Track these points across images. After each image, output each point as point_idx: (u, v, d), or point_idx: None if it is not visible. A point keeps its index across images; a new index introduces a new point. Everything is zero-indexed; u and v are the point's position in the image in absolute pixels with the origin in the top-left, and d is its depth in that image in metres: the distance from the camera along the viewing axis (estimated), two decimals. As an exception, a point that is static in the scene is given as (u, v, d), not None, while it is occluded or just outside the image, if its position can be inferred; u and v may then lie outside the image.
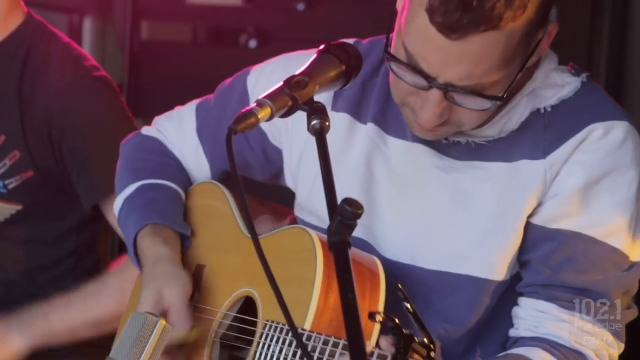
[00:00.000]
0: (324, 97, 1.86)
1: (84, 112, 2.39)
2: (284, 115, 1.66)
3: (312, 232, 1.81)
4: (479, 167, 1.85)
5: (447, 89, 1.71)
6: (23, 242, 2.49)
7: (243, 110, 1.62)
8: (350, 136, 1.90)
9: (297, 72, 1.69)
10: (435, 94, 1.73)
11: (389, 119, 1.91)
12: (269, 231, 1.92)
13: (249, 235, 1.87)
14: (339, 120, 1.92)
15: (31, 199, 2.43)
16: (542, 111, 1.84)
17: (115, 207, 2.09)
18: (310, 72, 1.69)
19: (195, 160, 2.10)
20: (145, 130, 2.17)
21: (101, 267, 2.65)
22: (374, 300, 1.83)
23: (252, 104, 1.63)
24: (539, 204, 1.84)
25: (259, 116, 1.61)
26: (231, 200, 2.00)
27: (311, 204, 1.97)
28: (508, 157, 1.84)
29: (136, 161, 2.12)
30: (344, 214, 1.51)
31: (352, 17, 4.28)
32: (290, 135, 1.99)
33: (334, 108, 1.96)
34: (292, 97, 1.65)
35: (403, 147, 1.88)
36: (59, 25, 5.28)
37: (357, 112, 1.93)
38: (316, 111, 1.64)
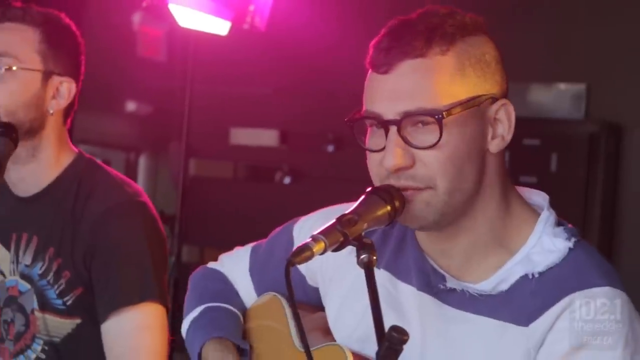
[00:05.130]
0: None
1: (114, 235, 2.53)
2: (335, 250, 1.78)
3: (348, 351, 1.94)
4: (470, 321, 1.92)
5: (399, 123, 1.82)
6: (81, 357, 2.62)
7: (300, 244, 1.75)
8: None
9: (347, 211, 1.82)
10: (391, 133, 1.84)
11: (399, 264, 2.01)
12: (317, 344, 2.06)
13: (301, 350, 2.01)
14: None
15: (87, 312, 2.58)
16: (531, 277, 1.91)
17: (183, 329, 2.28)
18: (359, 211, 1.82)
19: (247, 294, 2.31)
20: (211, 264, 2.40)
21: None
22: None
23: (308, 239, 1.76)
24: None
25: (314, 250, 1.73)
26: (288, 314, 2.16)
27: (335, 331, 2.08)
28: (497, 315, 1.91)
29: (202, 288, 2.32)
30: (392, 340, 1.67)
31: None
32: (322, 274, 2.13)
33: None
34: (343, 233, 1.77)
35: (411, 293, 1.97)
36: (117, 162, 5.80)
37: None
38: (365, 247, 1.77)
